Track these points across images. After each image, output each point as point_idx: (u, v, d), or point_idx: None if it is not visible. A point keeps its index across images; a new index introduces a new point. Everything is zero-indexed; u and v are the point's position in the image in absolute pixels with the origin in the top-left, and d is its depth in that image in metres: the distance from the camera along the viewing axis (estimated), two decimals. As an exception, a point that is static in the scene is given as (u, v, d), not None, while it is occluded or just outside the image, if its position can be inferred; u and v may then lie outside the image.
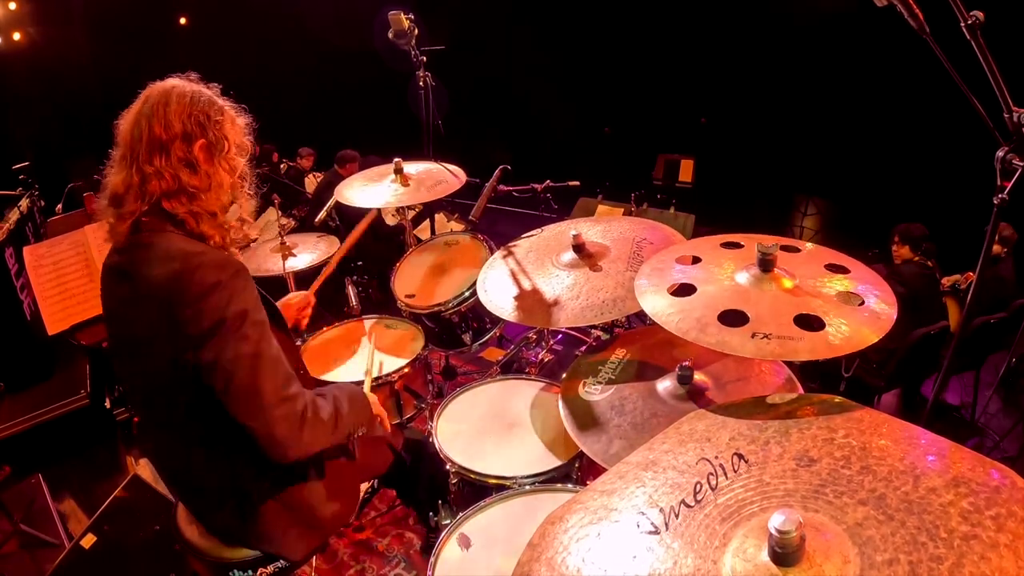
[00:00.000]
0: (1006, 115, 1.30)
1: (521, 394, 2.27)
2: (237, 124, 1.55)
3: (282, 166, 7.19)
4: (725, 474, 1.07)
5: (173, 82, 1.49)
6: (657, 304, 1.57)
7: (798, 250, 1.68)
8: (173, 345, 1.38)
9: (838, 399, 1.19)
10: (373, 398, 1.79)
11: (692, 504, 1.03)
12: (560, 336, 3.50)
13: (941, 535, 0.87)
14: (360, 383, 1.95)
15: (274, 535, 1.62)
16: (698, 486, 1.06)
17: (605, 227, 2.31)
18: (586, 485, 1.87)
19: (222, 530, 1.65)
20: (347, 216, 4.97)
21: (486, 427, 2.14)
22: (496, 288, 2.16)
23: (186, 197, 1.45)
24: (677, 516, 1.02)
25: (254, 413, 1.39)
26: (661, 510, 1.04)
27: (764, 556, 0.90)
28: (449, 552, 1.70)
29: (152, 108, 1.44)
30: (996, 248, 4.00)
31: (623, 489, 1.11)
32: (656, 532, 1.00)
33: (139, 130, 1.43)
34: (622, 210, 3.81)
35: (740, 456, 1.10)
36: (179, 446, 1.57)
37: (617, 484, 1.13)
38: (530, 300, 2.04)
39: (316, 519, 1.68)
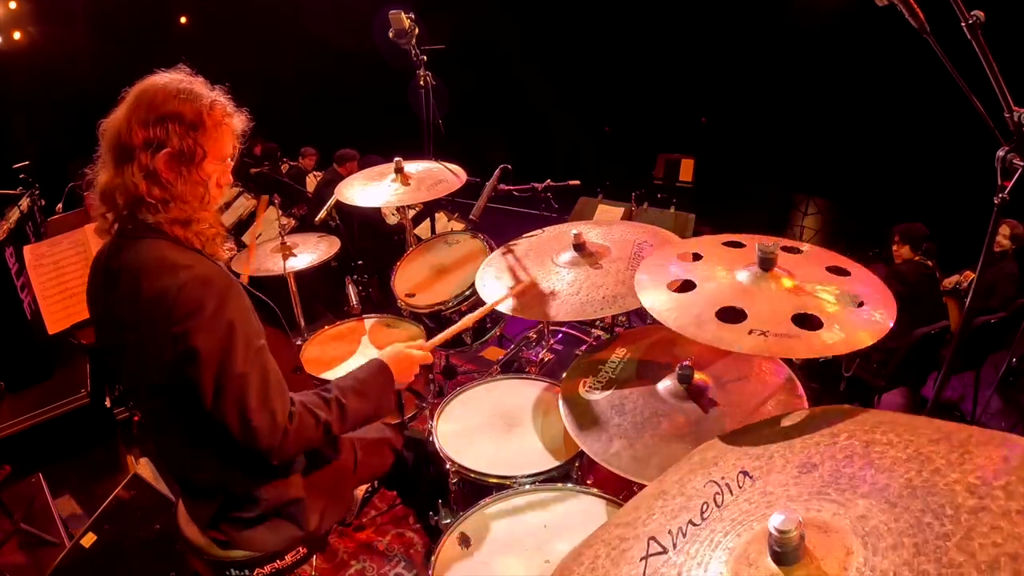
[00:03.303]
0: (1006, 115, 1.31)
1: (521, 394, 2.27)
2: (222, 127, 1.44)
3: (283, 166, 7.20)
4: (731, 491, 1.07)
5: (152, 80, 1.43)
6: (656, 300, 1.57)
7: (799, 251, 1.68)
8: (162, 356, 1.37)
9: (847, 408, 1.18)
10: (410, 354, 1.71)
11: (699, 523, 1.03)
12: (560, 336, 3.50)
13: (947, 512, 0.84)
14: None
15: (252, 536, 1.60)
16: (704, 506, 1.06)
17: (605, 230, 2.31)
18: (586, 484, 1.88)
19: (207, 525, 1.63)
20: (347, 215, 4.98)
21: (486, 427, 2.14)
22: (496, 285, 2.16)
23: (150, 208, 1.38)
24: (684, 535, 1.02)
25: (238, 425, 1.38)
26: (669, 532, 1.04)
27: (765, 556, 0.90)
28: (449, 552, 1.70)
29: (124, 111, 1.40)
30: (1006, 243, 3.99)
31: (636, 520, 1.11)
32: (664, 552, 1.01)
33: (113, 133, 1.40)
34: (622, 210, 3.80)
35: (745, 474, 1.09)
36: (173, 441, 1.58)
37: (632, 516, 1.13)
38: (529, 295, 2.04)
39: (299, 524, 1.65)
